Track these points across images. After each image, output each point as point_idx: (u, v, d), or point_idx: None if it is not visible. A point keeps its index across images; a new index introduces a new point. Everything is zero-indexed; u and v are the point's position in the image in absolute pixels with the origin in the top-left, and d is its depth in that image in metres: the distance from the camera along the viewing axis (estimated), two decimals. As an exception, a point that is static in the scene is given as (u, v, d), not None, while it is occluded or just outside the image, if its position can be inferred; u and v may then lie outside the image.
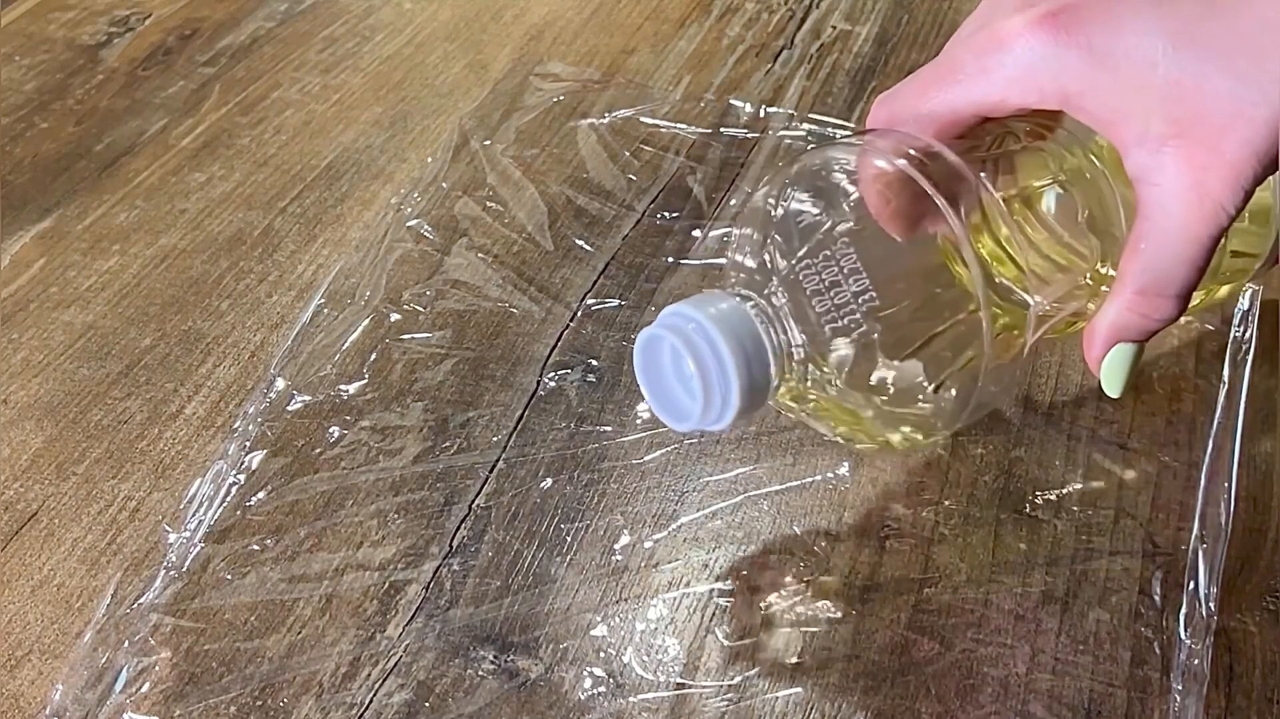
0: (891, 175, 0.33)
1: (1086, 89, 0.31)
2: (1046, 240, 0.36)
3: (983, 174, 0.35)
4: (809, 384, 0.34)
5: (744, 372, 0.32)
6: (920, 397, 0.34)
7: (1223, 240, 0.32)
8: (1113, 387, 0.36)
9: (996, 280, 0.34)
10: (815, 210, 0.34)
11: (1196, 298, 0.34)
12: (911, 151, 0.33)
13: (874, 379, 0.33)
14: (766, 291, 0.33)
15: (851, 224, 0.33)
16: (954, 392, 0.33)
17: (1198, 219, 0.31)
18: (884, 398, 0.34)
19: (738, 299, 0.33)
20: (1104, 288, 0.35)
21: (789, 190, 0.34)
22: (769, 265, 0.34)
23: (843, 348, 0.33)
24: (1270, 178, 0.31)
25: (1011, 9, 0.32)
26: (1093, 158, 0.35)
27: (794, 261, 0.33)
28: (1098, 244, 0.36)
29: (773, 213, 0.34)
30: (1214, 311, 0.47)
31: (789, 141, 0.56)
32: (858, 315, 0.32)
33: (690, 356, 0.32)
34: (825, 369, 0.34)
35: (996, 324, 0.33)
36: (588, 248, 0.51)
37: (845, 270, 0.32)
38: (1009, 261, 0.34)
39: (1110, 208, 0.35)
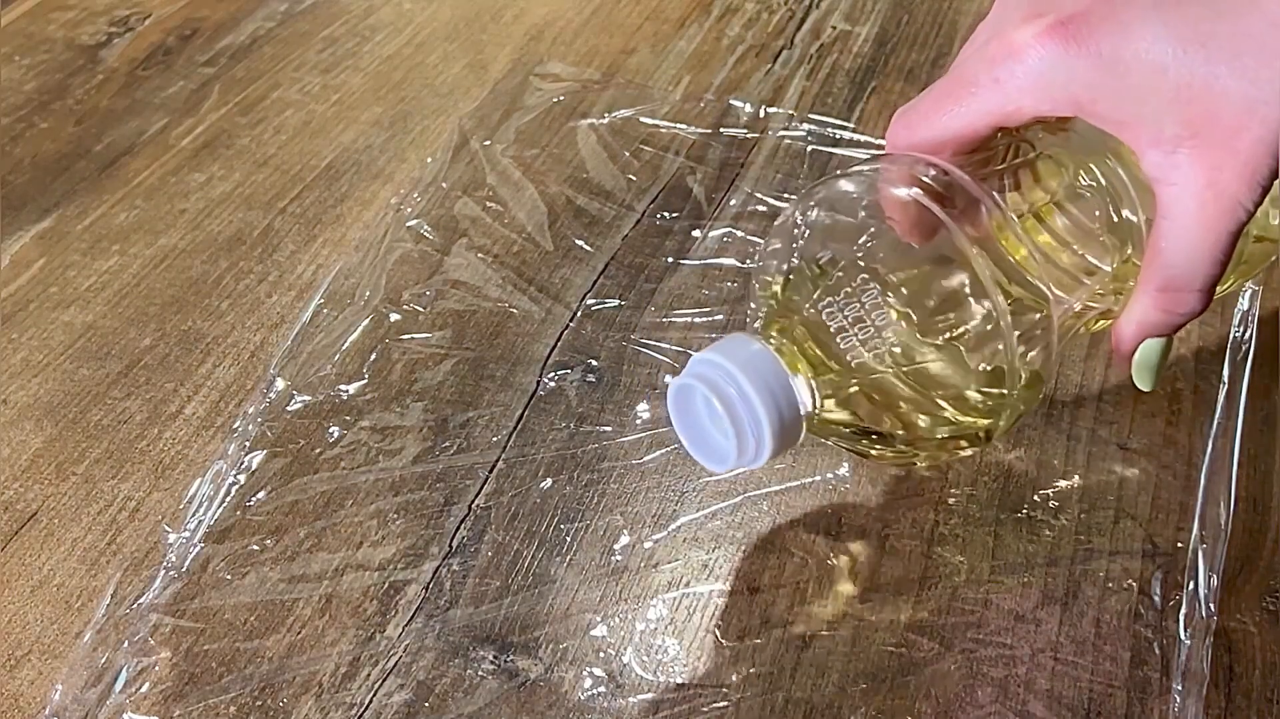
0: (908, 203, 0.33)
1: (1099, 95, 0.32)
2: (1069, 243, 0.36)
3: (1000, 188, 0.35)
4: (845, 410, 0.34)
5: (774, 414, 0.32)
6: (958, 400, 0.34)
7: (1245, 233, 0.32)
8: (1144, 381, 0.36)
9: (1028, 280, 0.34)
10: (834, 246, 0.34)
11: (1221, 286, 0.34)
12: (925, 178, 0.33)
13: (904, 402, 0.34)
14: (791, 332, 0.34)
15: (869, 255, 0.34)
16: (989, 381, 0.34)
17: (1215, 216, 0.31)
18: (918, 408, 0.34)
19: (763, 342, 0.33)
20: (1130, 283, 0.35)
21: (807, 224, 0.35)
22: (792, 304, 0.34)
23: (869, 376, 0.33)
24: None
25: (1020, 19, 0.33)
26: (1108, 158, 0.36)
27: (816, 300, 0.33)
28: (1119, 243, 0.36)
29: (793, 248, 0.35)
30: (1214, 311, 0.47)
31: (789, 142, 0.56)
32: (882, 351, 0.33)
33: (720, 404, 0.32)
34: (855, 399, 0.34)
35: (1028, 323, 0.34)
36: (588, 248, 0.51)
37: (868, 306, 0.33)
38: (1035, 263, 0.35)
39: (1130, 206, 0.35)
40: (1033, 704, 0.36)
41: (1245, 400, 0.43)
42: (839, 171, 0.36)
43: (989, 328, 0.32)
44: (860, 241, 0.34)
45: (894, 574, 0.39)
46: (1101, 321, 0.37)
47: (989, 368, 0.33)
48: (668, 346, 0.46)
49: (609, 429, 0.44)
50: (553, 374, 0.46)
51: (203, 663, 0.37)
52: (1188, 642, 0.37)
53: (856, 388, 0.34)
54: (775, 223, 0.36)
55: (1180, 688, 0.36)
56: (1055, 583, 0.39)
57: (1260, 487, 0.41)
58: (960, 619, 0.38)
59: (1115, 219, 0.36)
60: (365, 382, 0.45)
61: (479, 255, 0.50)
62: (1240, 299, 0.47)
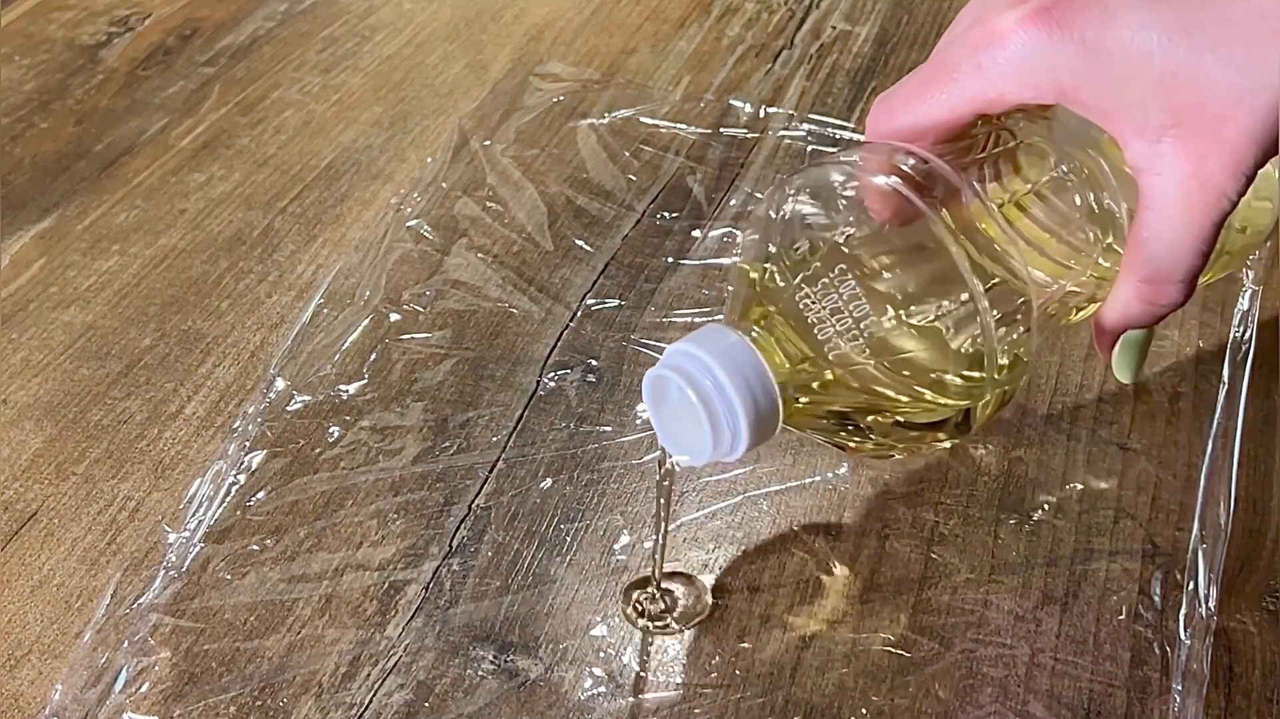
0: (887, 192, 0.33)
1: (1083, 82, 0.31)
2: (1050, 231, 0.36)
3: (981, 178, 0.35)
4: (822, 398, 0.34)
5: (750, 406, 0.32)
6: (937, 386, 0.34)
7: (1230, 225, 0.32)
8: (1124, 373, 0.36)
9: (1008, 267, 0.34)
10: (811, 235, 0.34)
11: (1203, 278, 0.34)
12: (904, 167, 0.33)
13: (882, 391, 0.34)
14: (768, 323, 0.33)
15: (847, 244, 0.34)
16: (968, 366, 0.34)
17: (1199, 206, 0.31)
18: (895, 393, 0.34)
19: (739, 334, 0.33)
20: (1111, 265, 0.35)
21: (785, 213, 0.35)
22: (769, 293, 0.34)
23: (848, 367, 0.33)
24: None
25: (1003, 5, 0.32)
26: (1090, 148, 0.36)
27: (793, 290, 0.33)
28: (1101, 232, 0.36)
29: (770, 237, 0.35)
30: (1214, 311, 0.47)
31: (789, 142, 0.56)
32: (860, 342, 0.33)
33: (696, 396, 0.32)
34: (831, 388, 0.34)
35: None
36: (588, 248, 0.51)
37: (845, 297, 0.32)
38: (1015, 251, 0.34)
39: (1111, 196, 0.35)
40: (1033, 704, 0.36)
41: (1245, 400, 0.43)
42: (818, 160, 0.36)
43: (967, 313, 0.32)
44: (838, 231, 0.34)
45: (894, 574, 0.39)
46: (1089, 307, 0.37)
47: (968, 353, 0.33)
48: (668, 347, 0.46)
49: (609, 429, 0.44)
50: (553, 374, 0.46)
51: (203, 663, 0.37)
52: (1188, 642, 0.37)
53: (834, 378, 0.34)
54: (753, 211, 0.36)
55: (1180, 688, 0.36)
56: (1055, 583, 0.39)
57: (1260, 487, 0.41)
58: (960, 619, 0.38)
59: (1096, 208, 0.36)
60: (365, 381, 0.45)
61: (479, 255, 0.50)
62: (1240, 299, 0.47)
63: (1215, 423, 0.43)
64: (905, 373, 0.33)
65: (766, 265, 0.35)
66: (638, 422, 0.44)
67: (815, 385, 0.34)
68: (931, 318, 0.33)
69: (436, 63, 0.62)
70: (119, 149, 0.56)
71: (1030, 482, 0.42)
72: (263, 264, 0.50)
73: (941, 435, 0.35)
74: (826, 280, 0.33)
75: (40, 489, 0.42)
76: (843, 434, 0.36)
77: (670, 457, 0.36)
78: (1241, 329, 0.46)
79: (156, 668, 0.37)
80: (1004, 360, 0.33)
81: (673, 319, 0.47)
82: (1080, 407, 0.44)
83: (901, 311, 0.33)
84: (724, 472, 0.42)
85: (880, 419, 0.35)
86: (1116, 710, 0.36)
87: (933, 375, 0.34)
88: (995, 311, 0.32)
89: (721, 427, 0.33)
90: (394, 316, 0.48)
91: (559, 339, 0.47)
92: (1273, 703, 0.36)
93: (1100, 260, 0.36)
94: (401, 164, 0.56)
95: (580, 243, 0.51)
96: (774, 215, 0.35)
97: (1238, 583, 0.39)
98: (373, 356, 0.46)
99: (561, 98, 0.59)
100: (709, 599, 0.38)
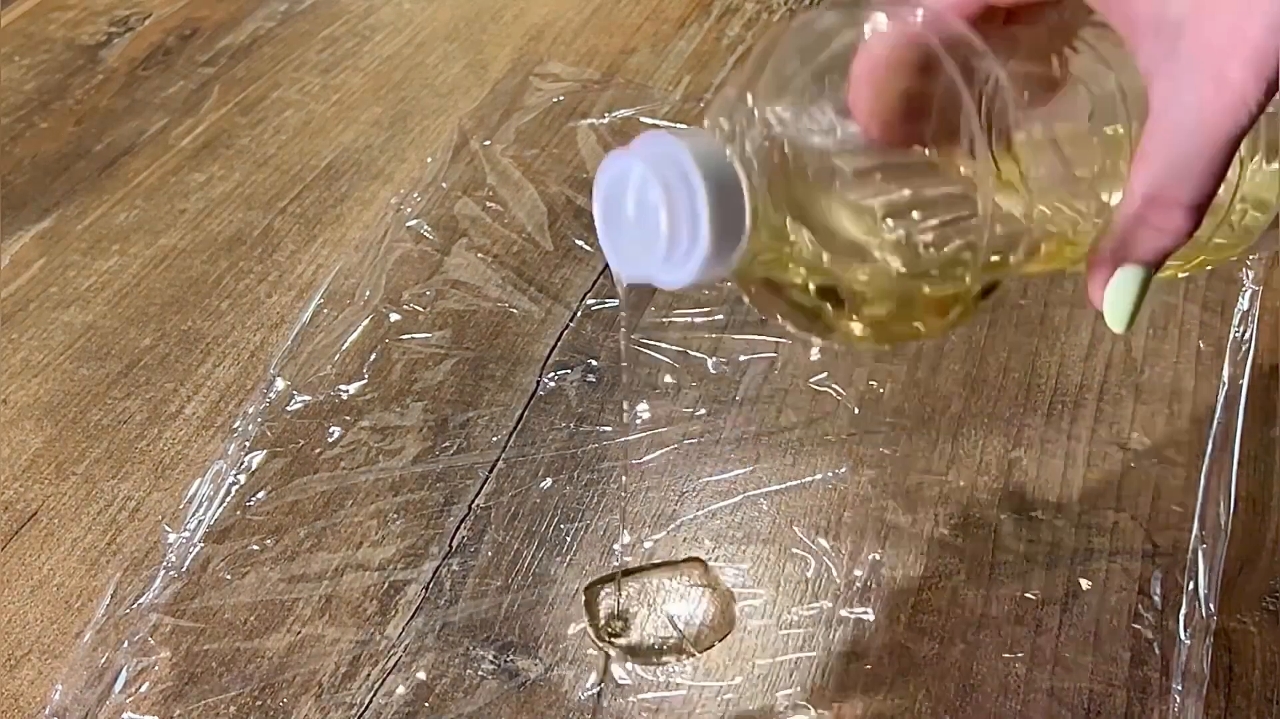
0: (908, 54, 0.29)
1: None
2: (1054, 156, 0.34)
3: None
4: (785, 236, 0.32)
5: (716, 205, 0.29)
6: (899, 240, 0.31)
7: (1235, 190, 0.30)
8: (1117, 320, 0.33)
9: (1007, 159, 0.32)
10: (809, 70, 0.31)
11: (1187, 265, 0.32)
12: (921, 17, 0.31)
13: (854, 210, 0.31)
14: (747, 137, 0.31)
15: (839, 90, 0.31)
16: (934, 241, 0.31)
17: (1216, 111, 0.28)
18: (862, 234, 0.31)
19: (717, 137, 0.30)
20: (1111, 201, 0.33)
21: (785, 46, 0.32)
22: (752, 115, 0.31)
23: (823, 181, 0.31)
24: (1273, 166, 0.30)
25: None
26: (1115, 86, 0.34)
27: (783, 110, 0.30)
28: (1105, 153, 0.34)
29: (762, 68, 0.32)
30: (1214, 312, 0.47)
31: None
32: (841, 157, 0.30)
33: (658, 181, 0.29)
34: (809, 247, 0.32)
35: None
36: (588, 248, 0.51)
37: (835, 112, 0.30)
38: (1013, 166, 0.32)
39: (1124, 139, 0.33)
40: (1033, 704, 0.36)
41: (1245, 400, 0.43)
42: (830, 3, 0.33)
43: (962, 194, 0.30)
44: (840, 68, 0.31)
45: (894, 574, 0.39)
46: (1079, 265, 0.35)
47: (956, 246, 0.31)
48: (668, 347, 0.46)
49: (609, 429, 0.44)
50: (553, 374, 0.46)
51: (203, 663, 0.37)
52: (1188, 642, 0.37)
53: (812, 245, 0.31)
54: (755, 48, 0.33)
55: (1180, 688, 0.36)
56: (1055, 583, 0.39)
57: (1260, 487, 0.41)
58: (960, 619, 0.38)
59: (1106, 145, 0.33)
60: (365, 381, 0.45)
61: (479, 255, 0.50)
62: (1240, 299, 0.47)
63: (1215, 423, 0.43)
64: (889, 252, 0.31)
65: (748, 109, 0.32)
66: (638, 422, 0.44)
67: (791, 239, 0.31)
68: (925, 197, 0.30)
69: (436, 63, 0.62)
70: (119, 149, 0.56)
71: (1030, 481, 0.42)
72: (263, 264, 0.50)
73: (929, 319, 0.33)
74: (812, 120, 0.30)
75: (40, 489, 0.42)
76: (816, 305, 0.33)
77: (623, 280, 0.32)
78: (1241, 329, 0.46)
79: (156, 668, 0.37)
80: (994, 258, 0.31)
81: (673, 319, 0.47)
82: (1080, 407, 0.44)
83: (890, 180, 0.30)
84: (724, 472, 0.42)
85: (858, 288, 0.32)
86: (1116, 710, 0.36)
87: (920, 261, 0.31)
88: (990, 195, 0.30)
89: (680, 220, 0.29)
90: (394, 316, 0.48)
91: (559, 339, 0.47)
92: (1273, 703, 0.36)
93: (1101, 195, 0.34)
94: (401, 164, 0.55)
95: (580, 243, 0.51)
96: (762, 58, 0.32)
97: (1238, 583, 0.39)
98: (373, 357, 0.46)
99: (561, 98, 0.59)
100: (734, 612, 0.38)
